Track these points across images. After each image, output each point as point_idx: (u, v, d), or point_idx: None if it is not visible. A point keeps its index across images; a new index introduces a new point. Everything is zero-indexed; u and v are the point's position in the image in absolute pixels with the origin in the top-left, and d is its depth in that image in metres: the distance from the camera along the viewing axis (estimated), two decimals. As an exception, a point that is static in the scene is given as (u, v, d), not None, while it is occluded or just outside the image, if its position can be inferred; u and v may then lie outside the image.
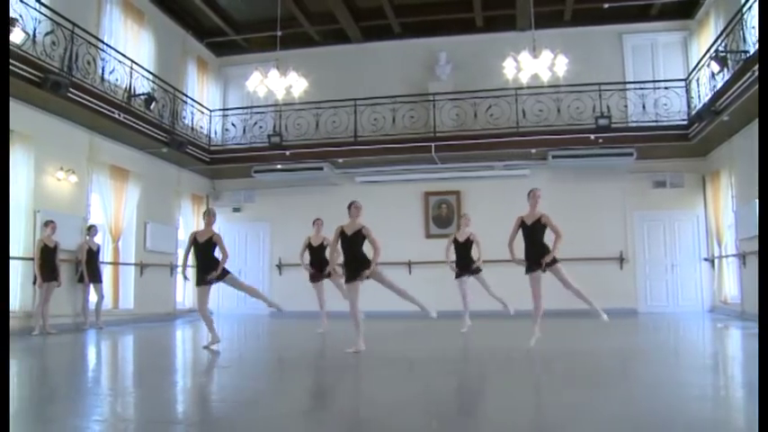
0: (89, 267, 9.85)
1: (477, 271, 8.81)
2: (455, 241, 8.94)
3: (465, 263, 8.81)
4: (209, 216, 7.33)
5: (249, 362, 6.62)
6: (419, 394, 4.44)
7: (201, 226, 7.17)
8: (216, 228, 7.67)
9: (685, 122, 11.86)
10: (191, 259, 7.35)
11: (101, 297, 10.10)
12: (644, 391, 4.14)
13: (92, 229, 10.03)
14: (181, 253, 13.35)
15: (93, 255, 9.94)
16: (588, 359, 5.72)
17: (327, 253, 8.58)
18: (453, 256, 8.92)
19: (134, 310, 11.51)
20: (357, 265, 6.57)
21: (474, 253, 8.88)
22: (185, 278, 7.42)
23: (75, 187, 10.04)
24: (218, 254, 7.18)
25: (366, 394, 4.66)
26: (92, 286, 9.97)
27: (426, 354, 6.78)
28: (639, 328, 9.85)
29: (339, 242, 6.72)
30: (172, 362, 6.73)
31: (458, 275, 8.87)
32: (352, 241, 6.60)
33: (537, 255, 6.55)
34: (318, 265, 8.97)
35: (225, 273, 7.17)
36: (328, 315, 9.27)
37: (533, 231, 6.61)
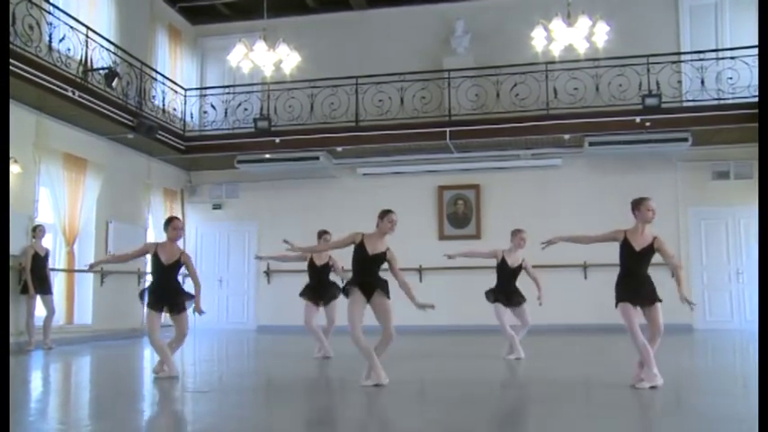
0: (35, 276, 9.70)
1: (519, 302, 8.23)
2: (503, 264, 8.18)
3: (510, 291, 8.18)
4: (176, 229, 6.79)
5: (232, 386, 6.56)
6: (431, 424, 4.33)
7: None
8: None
9: (756, 99, 11.64)
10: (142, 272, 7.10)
11: (51, 311, 9.96)
12: (700, 427, 4.02)
13: (38, 230, 9.91)
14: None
15: (40, 261, 9.83)
16: (630, 385, 5.59)
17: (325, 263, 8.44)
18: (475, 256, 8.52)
19: (92, 325, 11.44)
20: (374, 282, 6.07)
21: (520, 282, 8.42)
22: (91, 268, 6.95)
23: (19, 179, 9.93)
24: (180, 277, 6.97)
25: (370, 425, 4.58)
26: (39, 298, 9.83)
27: (440, 377, 6.68)
28: (695, 349, 9.72)
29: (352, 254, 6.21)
30: (138, 387, 6.66)
31: (495, 300, 8.20)
32: (372, 262, 6.10)
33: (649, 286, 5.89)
34: (318, 289, 8.69)
35: (184, 307, 6.84)
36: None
37: (645, 258, 5.83)
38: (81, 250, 11.38)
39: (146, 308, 6.89)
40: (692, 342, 10.60)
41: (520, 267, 8.19)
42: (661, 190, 12.89)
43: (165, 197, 13.85)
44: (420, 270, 13.43)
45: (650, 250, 5.74)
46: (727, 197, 12.75)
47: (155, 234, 12.97)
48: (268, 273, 14.20)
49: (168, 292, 6.76)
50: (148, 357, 9.55)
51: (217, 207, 14.72)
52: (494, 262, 8.27)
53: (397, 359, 8.29)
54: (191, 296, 6.87)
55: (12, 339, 9.52)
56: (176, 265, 6.81)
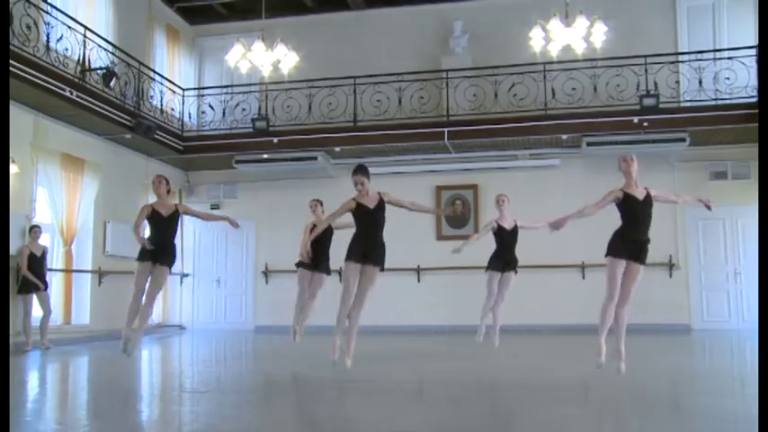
0: (34, 275, 9.70)
1: (513, 269, 8.32)
2: (500, 230, 8.30)
3: (508, 259, 8.26)
4: (154, 183, 7.10)
5: (230, 386, 6.56)
6: (430, 425, 4.32)
7: None
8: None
9: (754, 100, 11.65)
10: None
11: (47, 311, 9.95)
12: (698, 427, 4.01)
13: (34, 231, 9.89)
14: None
15: (37, 261, 9.82)
16: (630, 384, 5.59)
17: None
18: (475, 240, 8.47)
19: (90, 326, 11.41)
20: (372, 246, 6.18)
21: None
22: (147, 245, 6.92)
23: (17, 180, 9.91)
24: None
25: (366, 424, 4.57)
26: (35, 298, 9.81)
27: (438, 377, 6.67)
28: (693, 348, 9.72)
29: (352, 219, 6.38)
30: (136, 387, 6.65)
31: (491, 268, 8.29)
32: (375, 214, 6.19)
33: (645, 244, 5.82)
34: (315, 257, 8.63)
35: (171, 262, 7.06)
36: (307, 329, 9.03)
37: (648, 211, 5.84)
38: (79, 250, 11.36)
39: (137, 262, 6.98)
40: (690, 342, 10.61)
41: (516, 229, 8.26)
42: (659, 190, 12.89)
43: (163, 197, 13.80)
44: (418, 270, 13.42)
45: (650, 201, 5.85)
46: (724, 197, 12.70)
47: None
48: (266, 273, 14.18)
49: (165, 245, 6.92)
50: (146, 358, 9.54)
51: (215, 207, 14.67)
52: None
53: (396, 359, 8.30)
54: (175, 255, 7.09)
55: (9, 340, 9.51)
56: (175, 216, 6.99)
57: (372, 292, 6.27)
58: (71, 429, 4.45)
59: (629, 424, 4.49)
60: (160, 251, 6.89)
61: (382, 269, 6.26)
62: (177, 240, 7.21)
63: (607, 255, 5.82)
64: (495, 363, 7.70)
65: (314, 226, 8.58)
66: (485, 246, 8.44)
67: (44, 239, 10.26)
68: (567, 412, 4.87)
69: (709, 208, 6.17)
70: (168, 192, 7.09)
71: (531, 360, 8.03)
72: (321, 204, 8.83)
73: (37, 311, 9.93)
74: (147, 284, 7.01)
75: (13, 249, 9.65)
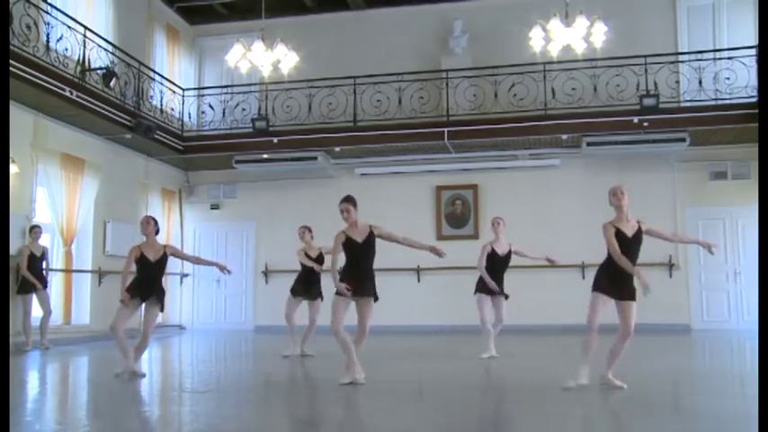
0: (33, 275, 9.70)
1: (500, 295, 8.22)
2: (493, 255, 8.23)
3: (497, 282, 8.18)
4: (143, 224, 6.87)
5: (230, 386, 6.56)
6: (429, 425, 4.31)
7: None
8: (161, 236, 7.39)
9: (754, 100, 11.65)
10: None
11: (47, 311, 9.94)
12: (698, 427, 4.01)
13: (34, 231, 9.89)
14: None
15: (36, 261, 9.82)
16: (630, 385, 5.58)
17: (325, 265, 8.38)
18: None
19: (90, 326, 11.41)
20: (367, 280, 6.09)
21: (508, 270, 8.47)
22: (127, 299, 6.66)
23: (17, 180, 9.90)
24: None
25: (367, 425, 4.57)
26: (35, 298, 9.81)
27: (438, 378, 6.67)
28: (693, 349, 9.71)
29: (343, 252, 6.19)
30: (136, 387, 6.64)
31: (480, 291, 8.21)
32: (365, 248, 6.09)
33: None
34: (307, 283, 8.67)
35: (162, 303, 6.83)
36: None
37: (636, 246, 5.69)
38: (79, 250, 11.36)
39: (131, 297, 6.74)
40: (690, 342, 10.60)
41: (509, 255, 8.22)
42: (659, 190, 12.91)
43: (162, 197, 13.83)
44: (418, 270, 13.41)
45: (640, 237, 5.67)
46: (724, 197, 12.75)
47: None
48: (266, 273, 14.18)
49: (153, 285, 6.74)
50: (146, 358, 9.53)
51: (215, 207, 14.69)
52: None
53: (395, 359, 8.30)
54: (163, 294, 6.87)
55: (11, 339, 9.51)
56: (163, 260, 6.82)
57: (371, 320, 6.17)
58: (71, 429, 4.45)
59: (628, 424, 4.49)
60: (147, 289, 6.72)
61: (376, 299, 6.15)
62: (164, 283, 7.02)
63: (593, 290, 5.65)
64: (495, 363, 7.70)
65: (305, 252, 8.69)
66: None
67: (44, 239, 10.25)
68: (566, 412, 4.87)
69: (711, 251, 5.98)
70: (156, 232, 6.88)
71: (530, 360, 8.02)
72: (310, 231, 8.89)
73: (37, 311, 9.93)
74: (143, 321, 6.92)
75: (13, 249, 9.64)
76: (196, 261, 7.36)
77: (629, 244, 5.61)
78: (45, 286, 9.92)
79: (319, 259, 8.71)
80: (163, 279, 6.96)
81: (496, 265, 8.21)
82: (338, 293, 5.98)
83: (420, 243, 6.23)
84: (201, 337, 12.36)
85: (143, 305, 6.83)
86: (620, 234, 5.62)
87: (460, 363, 7.90)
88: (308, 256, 8.71)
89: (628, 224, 5.68)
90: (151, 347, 10.64)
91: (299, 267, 8.90)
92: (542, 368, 7.34)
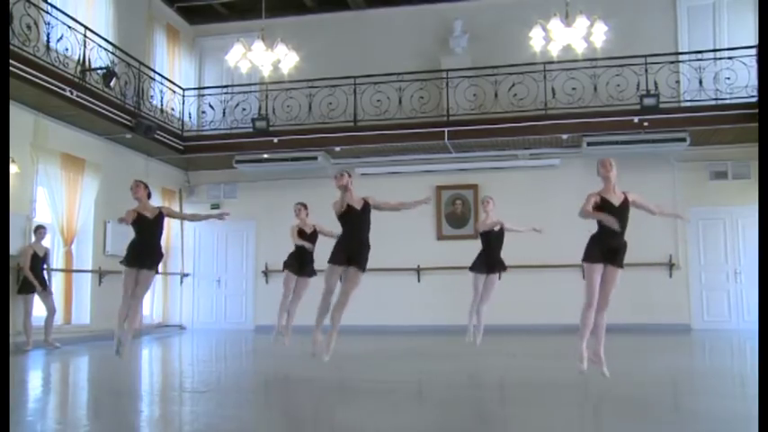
0: (35, 275, 9.72)
1: (497, 271, 8.48)
2: (488, 232, 8.48)
3: (492, 261, 8.39)
4: (132, 189, 7.34)
5: (230, 386, 6.57)
6: (429, 425, 4.31)
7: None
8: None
9: (754, 100, 11.65)
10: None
11: (51, 310, 9.96)
12: (698, 427, 4.01)
13: (39, 231, 9.90)
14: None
15: (39, 261, 9.83)
16: (630, 385, 5.59)
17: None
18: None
19: (91, 325, 11.41)
20: (356, 249, 6.31)
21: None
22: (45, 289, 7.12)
23: (17, 179, 9.90)
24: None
25: (366, 425, 4.56)
26: (36, 298, 9.82)
27: (438, 377, 6.67)
28: (693, 348, 9.71)
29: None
30: (136, 386, 6.65)
31: (475, 269, 8.44)
32: (360, 215, 6.40)
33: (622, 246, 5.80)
34: (301, 259, 8.74)
35: (157, 267, 7.18)
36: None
37: (624, 215, 5.80)
38: (79, 250, 11.36)
39: (123, 265, 7.06)
40: (690, 342, 10.60)
41: (501, 232, 8.32)
42: (659, 190, 12.88)
43: (163, 197, 13.81)
44: (418, 270, 13.42)
45: (627, 206, 5.82)
46: (725, 197, 12.74)
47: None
48: (266, 273, 14.18)
49: (150, 248, 7.05)
50: (146, 357, 9.54)
51: (215, 207, 14.64)
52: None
53: (395, 359, 8.30)
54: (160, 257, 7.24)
55: (10, 339, 9.50)
56: (159, 218, 7.13)
57: (356, 292, 6.37)
58: (71, 429, 4.45)
59: (628, 424, 4.49)
60: (145, 254, 7.04)
61: (363, 271, 6.37)
62: (162, 241, 7.33)
63: (583, 260, 5.81)
64: (496, 363, 7.71)
65: (300, 229, 8.73)
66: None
67: (45, 240, 10.26)
68: (566, 412, 4.87)
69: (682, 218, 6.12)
70: (149, 196, 7.19)
71: (530, 360, 8.02)
72: (305, 208, 8.98)
73: (38, 311, 9.95)
74: (137, 285, 7.16)
75: (13, 249, 9.63)
76: (192, 218, 7.68)
77: (617, 212, 5.75)
78: (45, 287, 9.93)
79: (313, 236, 8.77)
80: (159, 238, 7.15)
81: (492, 241, 8.40)
82: (332, 261, 6.28)
83: (411, 202, 6.74)
84: (202, 337, 12.36)
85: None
86: (605, 203, 5.80)
87: (460, 363, 7.90)
88: (301, 232, 8.74)
89: (614, 195, 5.85)
90: (151, 347, 10.68)
91: None
92: (542, 368, 7.34)
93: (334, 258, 6.32)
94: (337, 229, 6.82)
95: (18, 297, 9.72)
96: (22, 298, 9.73)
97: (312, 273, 8.76)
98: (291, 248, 9.14)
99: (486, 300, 8.41)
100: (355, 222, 6.33)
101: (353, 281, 6.31)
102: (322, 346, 6.36)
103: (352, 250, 6.25)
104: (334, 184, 6.44)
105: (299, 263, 8.78)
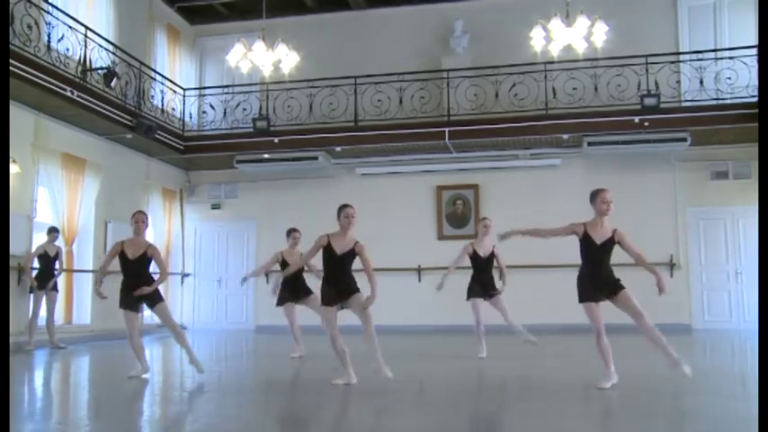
0: (41, 274, 9.77)
1: (495, 294, 8.29)
2: (475, 255, 8.34)
3: (485, 281, 8.28)
4: (137, 222, 6.80)
5: (231, 386, 6.57)
6: (430, 425, 4.32)
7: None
8: (151, 235, 7.24)
9: (755, 99, 11.64)
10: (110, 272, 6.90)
11: (51, 312, 9.98)
12: (698, 427, 4.00)
13: (52, 234, 9.97)
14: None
15: (49, 260, 9.89)
16: (630, 385, 5.58)
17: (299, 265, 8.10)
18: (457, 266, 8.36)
19: (91, 325, 11.43)
20: (344, 286, 6.00)
21: (496, 271, 8.50)
22: (100, 296, 6.78)
23: (18, 179, 9.92)
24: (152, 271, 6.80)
25: (367, 425, 4.58)
26: (44, 298, 9.85)
27: (438, 378, 6.67)
28: (694, 348, 9.69)
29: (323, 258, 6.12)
30: (138, 387, 6.64)
31: (471, 296, 8.32)
32: (341, 261, 5.99)
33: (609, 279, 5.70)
34: (294, 287, 8.61)
35: (159, 297, 6.68)
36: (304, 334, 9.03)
37: (606, 252, 5.68)
38: (80, 250, 11.37)
39: (121, 309, 6.63)
40: (691, 342, 10.59)
41: (492, 256, 8.26)
42: (660, 190, 12.91)
43: (163, 197, 13.83)
44: (419, 270, 13.40)
45: (611, 243, 5.62)
46: (725, 197, 12.74)
47: (153, 234, 12.95)
48: (267, 273, 14.15)
49: (136, 287, 6.54)
50: (148, 357, 9.53)
51: (215, 207, 14.69)
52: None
53: (395, 359, 8.28)
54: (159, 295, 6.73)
55: (12, 339, 9.51)
56: (143, 258, 6.64)
57: (372, 315, 6.07)
58: (72, 429, 4.45)
59: (629, 424, 4.49)
60: (137, 297, 6.56)
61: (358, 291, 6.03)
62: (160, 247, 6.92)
63: (581, 302, 5.65)
64: (496, 363, 7.70)
65: (283, 259, 8.64)
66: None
67: (44, 239, 10.27)
68: (567, 412, 4.87)
69: (660, 289, 5.83)
70: (142, 231, 6.83)
71: (531, 360, 8.01)
72: (298, 235, 8.84)
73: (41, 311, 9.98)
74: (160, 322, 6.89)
75: (14, 249, 9.65)
76: (161, 271, 6.98)
77: (596, 251, 5.61)
78: (54, 286, 9.98)
79: (300, 269, 8.45)
80: (149, 274, 6.74)
81: (480, 265, 8.29)
82: (325, 303, 5.98)
83: (373, 285, 5.94)
84: (203, 337, 12.36)
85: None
86: (587, 238, 5.62)
87: (461, 363, 7.90)
88: (284, 262, 8.62)
89: (600, 230, 5.62)
90: (152, 347, 10.66)
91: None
92: (542, 368, 7.33)
93: (327, 301, 5.99)
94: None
95: (21, 297, 9.77)
96: (24, 298, 9.76)
97: (309, 291, 8.59)
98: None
99: (506, 315, 8.24)
100: (336, 264, 5.99)
101: (360, 305, 5.97)
102: (382, 367, 5.99)
103: (339, 289, 5.97)
104: (348, 217, 6.06)
105: (293, 292, 8.61)
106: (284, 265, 8.62)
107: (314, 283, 7.81)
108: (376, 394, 5.60)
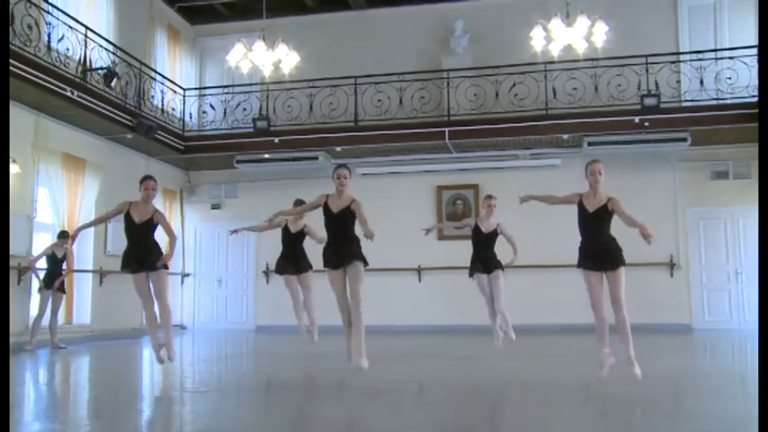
0: (53, 274, 9.83)
1: (496, 267, 8.12)
2: (477, 232, 8.24)
3: (486, 258, 8.14)
4: (147, 189, 6.68)
5: (231, 386, 6.57)
6: (430, 425, 4.32)
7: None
8: (161, 208, 7.07)
9: (755, 99, 11.64)
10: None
11: (55, 313, 10.01)
12: (699, 427, 4.00)
13: (62, 239, 10.00)
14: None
15: (56, 261, 9.94)
16: (631, 385, 5.57)
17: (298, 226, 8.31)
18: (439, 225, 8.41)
19: (91, 325, 11.43)
20: (344, 251, 6.01)
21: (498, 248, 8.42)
22: (57, 289, 6.45)
23: (18, 179, 9.93)
24: (158, 238, 6.67)
25: (367, 425, 4.58)
26: (51, 299, 9.88)
27: (438, 378, 6.67)
28: (694, 348, 9.70)
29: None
30: (137, 387, 6.65)
31: (474, 272, 8.21)
32: (339, 219, 6.07)
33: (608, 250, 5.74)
34: (291, 258, 8.59)
35: (165, 265, 6.52)
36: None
37: (600, 221, 5.78)
38: (80, 250, 11.36)
39: (126, 271, 6.53)
40: (691, 342, 10.59)
41: (495, 233, 8.16)
42: (660, 190, 12.90)
43: (163, 197, 13.81)
44: (419, 270, 13.41)
45: (605, 212, 5.72)
46: (726, 197, 12.73)
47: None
48: (267, 273, 14.17)
49: (144, 250, 6.46)
50: (147, 357, 9.53)
51: (216, 207, 14.69)
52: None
53: (395, 359, 8.28)
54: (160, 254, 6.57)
55: (13, 339, 9.51)
56: (149, 224, 6.57)
57: (363, 287, 6.03)
58: (72, 429, 4.45)
59: (630, 424, 4.49)
60: (145, 256, 6.46)
61: (366, 264, 6.05)
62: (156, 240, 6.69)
63: (578, 267, 5.82)
64: (496, 363, 7.69)
65: (285, 226, 8.65)
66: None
67: (45, 239, 10.29)
68: (568, 412, 4.87)
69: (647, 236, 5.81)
70: (151, 198, 6.74)
71: (531, 360, 8.01)
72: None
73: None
74: (154, 289, 6.60)
75: (15, 249, 9.66)
76: (169, 237, 6.80)
77: (589, 219, 5.77)
78: (61, 287, 10.03)
79: (299, 235, 8.55)
80: (154, 239, 6.63)
81: (481, 241, 8.20)
82: (326, 266, 6.08)
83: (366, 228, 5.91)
84: (202, 337, 12.36)
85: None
86: (581, 207, 5.84)
87: (461, 363, 7.90)
88: (286, 230, 8.61)
89: (593, 200, 5.81)
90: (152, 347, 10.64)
91: None
92: (542, 368, 7.33)
93: (326, 263, 6.10)
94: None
95: (21, 297, 9.80)
96: (25, 298, 9.79)
97: (308, 266, 8.53)
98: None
99: (498, 298, 8.10)
100: (334, 223, 6.09)
101: (356, 277, 6.01)
102: (354, 354, 5.97)
103: (339, 250, 6.04)
104: (339, 178, 6.10)
105: (292, 262, 8.56)
106: (286, 231, 8.64)
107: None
108: (376, 394, 5.60)
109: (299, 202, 8.62)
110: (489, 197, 8.32)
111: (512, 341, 8.13)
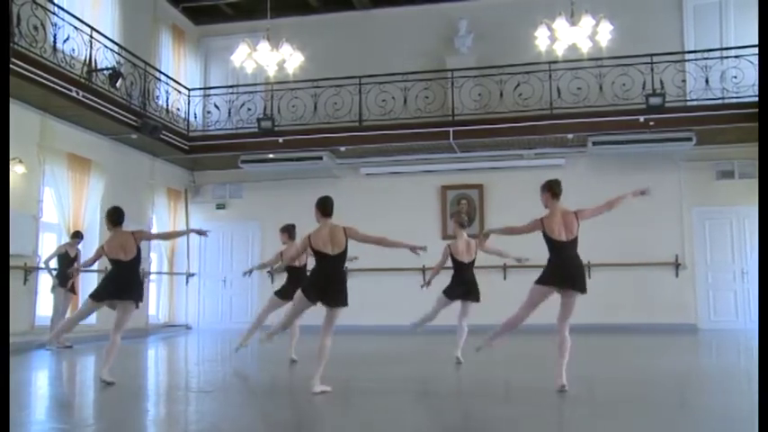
0: (61, 273, 9.92)
1: (475, 298, 7.81)
2: (453, 256, 7.81)
3: (469, 284, 7.78)
4: (115, 221, 6.33)
5: (234, 386, 6.61)
6: (430, 425, 4.32)
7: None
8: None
9: (761, 98, 11.62)
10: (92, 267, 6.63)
11: (62, 312, 10.06)
12: (703, 426, 3.99)
13: (75, 238, 10.12)
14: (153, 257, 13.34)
15: (69, 261, 9.99)
16: (636, 384, 5.58)
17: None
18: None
19: (96, 325, 11.43)
20: (332, 287, 5.60)
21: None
22: (69, 290, 6.27)
23: (24, 180, 9.97)
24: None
25: (367, 425, 4.59)
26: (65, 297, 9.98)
27: (438, 378, 6.67)
28: (700, 348, 9.69)
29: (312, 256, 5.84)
30: (142, 386, 6.68)
31: (450, 297, 7.88)
32: (335, 260, 5.67)
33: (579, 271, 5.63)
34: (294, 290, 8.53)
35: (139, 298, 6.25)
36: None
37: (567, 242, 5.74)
38: (85, 250, 11.35)
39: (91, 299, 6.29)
40: (697, 342, 10.58)
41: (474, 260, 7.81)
42: (665, 190, 12.85)
43: (168, 197, 13.87)
44: (423, 270, 13.38)
45: (577, 229, 5.75)
46: (731, 197, 12.70)
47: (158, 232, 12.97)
48: (272, 273, 14.18)
49: (124, 283, 6.17)
50: (152, 357, 9.57)
51: (220, 207, 14.72)
52: (496, 259, 8.06)
53: (397, 360, 8.29)
54: (140, 292, 6.35)
55: (17, 339, 9.54)
56: (137, 258, 6.27)
57: (334, 326, 5.69)
58: (77, 428, 4.47)
59: (635, 423, 4.48)
60: (121, 286, 6.19)
61: (343, 305, 5.65)
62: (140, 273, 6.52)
63: (544, 284, 5.63)
64: (497, 363, 7.69)
65: (281, 253, 8.62)
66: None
67: (50, 239, 10.33)
68: (571, 412, 4.87)
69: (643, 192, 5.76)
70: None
71: (530, 360, 8.01)
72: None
73: (44, 311, 10.04)
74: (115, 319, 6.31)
75: (19, 249, 9.70)
76: (168, 236, 6.57)
77: (563, 242, 5.72)
78: (72, 288, 10.14)
79: (305, 267, 8.35)
80: (136, 272, 6.39)
81: (459, 265, 7.81)
82: (303, 294, 5.65)
83: (397, 242, 5.83)
84: (207, 337, 12.38)
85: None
86: (546, 233, 5.82)
87: (462, 363, 7.88)
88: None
89: (559, 218, 5.85)
90: (157, 347, 10.69)
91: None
92: (542, 368, 7.32)
93: (308, 294, 5.66)
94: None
95: (23, 298, 9.84)
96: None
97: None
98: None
99: (462, 327, 7.80)
100: (324, 259, 5.67)
101: (331, 319, 5.63)
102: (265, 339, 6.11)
103: (325, 287, 5.60)
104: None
105: (290, 292, 8.11)
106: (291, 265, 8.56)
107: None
108: (376, 394, 5.60)
109: (285, 229, 8.52)
110: (454, 214, 8.01)
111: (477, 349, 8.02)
